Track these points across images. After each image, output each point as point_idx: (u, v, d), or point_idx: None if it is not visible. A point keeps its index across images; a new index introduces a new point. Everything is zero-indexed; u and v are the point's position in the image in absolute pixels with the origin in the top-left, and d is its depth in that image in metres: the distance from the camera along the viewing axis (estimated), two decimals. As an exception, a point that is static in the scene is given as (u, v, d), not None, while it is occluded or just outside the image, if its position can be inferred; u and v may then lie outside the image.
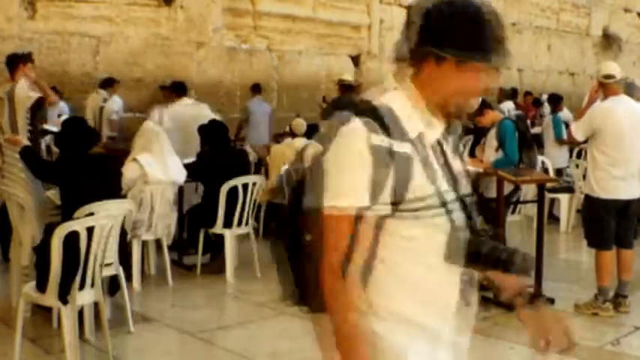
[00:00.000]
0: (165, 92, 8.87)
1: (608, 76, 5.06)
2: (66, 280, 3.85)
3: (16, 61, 5.16)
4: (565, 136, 8.83)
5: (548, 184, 6.87)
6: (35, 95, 5.00)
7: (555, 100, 9.72)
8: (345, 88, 9.86)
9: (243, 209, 5.93)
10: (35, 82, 5.14)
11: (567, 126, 10.39)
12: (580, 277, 6.06)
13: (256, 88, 9.99)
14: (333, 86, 11.19)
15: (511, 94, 13.80)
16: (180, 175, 5.76)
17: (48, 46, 8.58)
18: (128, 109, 9.23)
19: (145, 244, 5.83)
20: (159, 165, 5.57)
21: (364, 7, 11.96)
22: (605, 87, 5.08)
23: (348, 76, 10.35)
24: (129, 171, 5.39)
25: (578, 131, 5.07)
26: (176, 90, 7.81)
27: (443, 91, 1.70)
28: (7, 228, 5.15)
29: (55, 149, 6.51)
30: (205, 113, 7.19)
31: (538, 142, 8.84)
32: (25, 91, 4.99)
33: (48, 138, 6.90)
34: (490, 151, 5.57)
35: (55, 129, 5.94)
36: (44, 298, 3.95)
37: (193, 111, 7.34)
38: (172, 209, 5.79)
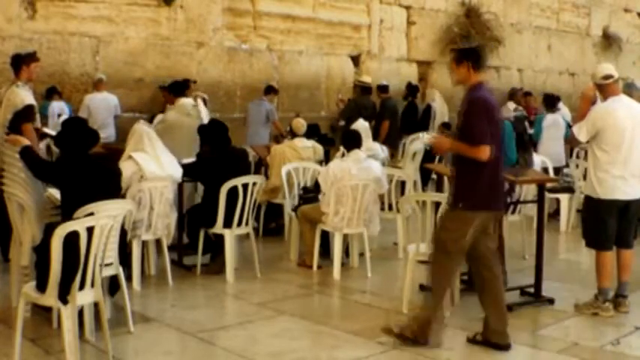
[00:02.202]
0: (164, 92, 8.86)
1: (607, 77, 5.06)
2: (66, 280, 3.85)
3: (19, 62, 5.17)
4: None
5: (548, 184, 6.87)
6: (27, 101, 5.00)
7: (551, 100, 9.75)
8: (364, 89, 9.89)
9: (243, 209, 5.93)
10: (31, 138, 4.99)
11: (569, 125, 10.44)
12: (580, 277, 6.06)
13: (265, 90, 9.97)
14: (338, 86, 11.24)
15: (513, 94, 13.82)
16: (176, 171, 5.76)
17: (48, 46, 8.57)
18: (128, 109, 9.23)
19: (145, 244, 5.83)
20: (154, 161, 5.58)
21: (364, 7, 11.96)
22: (605, 88, 5.08)
23: (367, 78, 10.40)
24: (125, 169, 5.39)
25: (582, 132, 5.03)
26: (174, 90, 7.77)
27: None
28: (7, 228, 5.15)
29: (55, 149, 6.52)
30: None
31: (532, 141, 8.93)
32: (18, 94, 5.00)
33: (46, 140, 6.89)
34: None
35: (53, 132, 5.96)
36: (44, 298, 3.95)
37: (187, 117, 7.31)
38: (172, 209, 5.79)
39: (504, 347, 4.35)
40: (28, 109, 5.04)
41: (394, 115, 10.10)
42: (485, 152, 4.17)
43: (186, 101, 7.52)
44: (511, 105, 11.17)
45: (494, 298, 4.40)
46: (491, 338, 4.39)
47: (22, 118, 5.00)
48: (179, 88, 7.81)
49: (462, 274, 5.49)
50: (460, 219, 4.33)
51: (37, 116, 5.27)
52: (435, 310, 4.38)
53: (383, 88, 10.67)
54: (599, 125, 4.95)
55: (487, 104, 4.28)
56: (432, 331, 4.37)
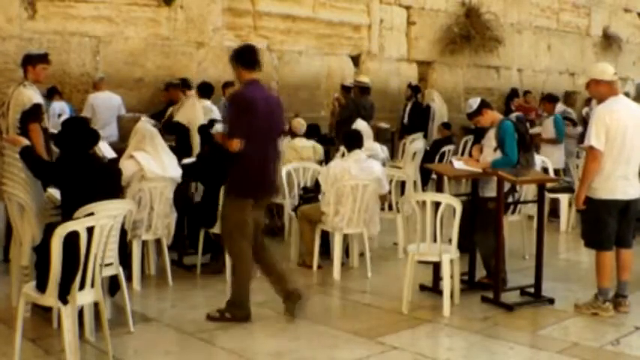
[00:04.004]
0: (171, 90, 8.85)
1: (615, 74, 5.07)
2: (66, 280, 3.85)
3: (25, 63, 5.18)
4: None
5: (548, 184, 6.87)
6: (34, 100, 5.01)
7: (552, 100, 9.79)
8: (362, 89, 9.90)
9: (243, 209, 5.92)
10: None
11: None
12: (580, 277, 6.06)
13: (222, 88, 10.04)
14: (338, 87, 11.24)
15: (511, 94, 13.83)
16: (177, 172, 5.77)
17: (48, 46, 8.55)
18: (128, 109, 9.24)
19: (145, 244, 5.83)
20: (155, 161, 5.57)
21: (364, 7, 11.97)
22: (610, 86, 5.06)
23: (365, 78, 10.38)
24: (126, 168, 5.39)
25: (595, 141, 4.90)
26: (202, 91, 8.04)
27: None
28: (7, 228, 5.15)
29: (55, 149, 6.52)
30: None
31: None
32: (25, 94, 5.00)
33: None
34: (488, 152, 5.57)
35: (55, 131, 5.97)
36: (44, 298, 3.95)
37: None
38: (172, 209, 5.79)
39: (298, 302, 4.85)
40: (36, 107, 5.04)
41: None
42: (235, 144, 4.57)
43: (209, 104, 7.82)
44: (560, 107, 11.25)
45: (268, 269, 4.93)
46: (287, 305, 4.88)
47: (29, 117, 5.01)
48: (208, 89, 8.05)
49: (461, 274, 5.50)
50: (234, 206, 4.75)
51: (46, 116, 5.27)
52: (244, 289, 4.81)
53: (347, 89, 10.84)
54: (606, 124, 4.90)
55: (245, 100, 4.68)
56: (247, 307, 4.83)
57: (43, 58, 5.26)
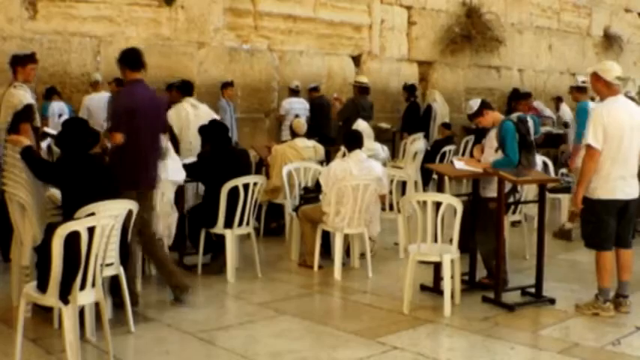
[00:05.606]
0: (173, 91, 8.83)
1: (619, 79, 5.06)
2: (67, 280, 3.85)
3: (14, 63, 5.18)
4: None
5: (549, 185, 6.87)
6: (25, 101, 5.01)
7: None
8: (361, 89, 9.91)
9: (244, 209, 5.93)
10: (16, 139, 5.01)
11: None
12: (580, 277, 6.06)
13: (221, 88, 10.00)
14: (339, 87, 11.25)
15: (513, 94, 13.82)
16: (179, 175, 5.77)
17: (49, 47, 8.59)
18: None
19: (145, 244, 5.82)
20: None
21: (365, 7, 11.97)
22: (608, 87, 5.06)
23: (364, 78, 10.40)
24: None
25: (593, 140, 4.90)
26: (182, 90, 7.91)
27: None
28: (7, 228, 5.15)
29: (56, 149, 6.52)
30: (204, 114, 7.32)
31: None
32: (15, 95, 5.00)
33: (48, 140, 6.90)
34: (490, 152, 5.56)
35: (54, 132, 5.96)
36: (45, 298, 3.95)
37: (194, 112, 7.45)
38: (173, 209, 5.79)
39: (184, 293, 5.17)
40: (28, 108, 5.04)
41: (327, 114, 10.50)
42: (117, 138, 4.89)
43: (192, 101, 7.65)
44: (565, 107, 11.33)
45: (159, 262, 5.27)
46: (175, 293, 5.18)
47: (21, 117, 5.00)
48: (187, 87, 7.97)
49: (462, 274, 5.50)
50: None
51: (37, 115, 5.27)
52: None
53: (314, 89, 10.96)
54: (604, 124, 4.89)
55: (125, 98, 5.10)
56: None
57: (32, 58, 5.27)
